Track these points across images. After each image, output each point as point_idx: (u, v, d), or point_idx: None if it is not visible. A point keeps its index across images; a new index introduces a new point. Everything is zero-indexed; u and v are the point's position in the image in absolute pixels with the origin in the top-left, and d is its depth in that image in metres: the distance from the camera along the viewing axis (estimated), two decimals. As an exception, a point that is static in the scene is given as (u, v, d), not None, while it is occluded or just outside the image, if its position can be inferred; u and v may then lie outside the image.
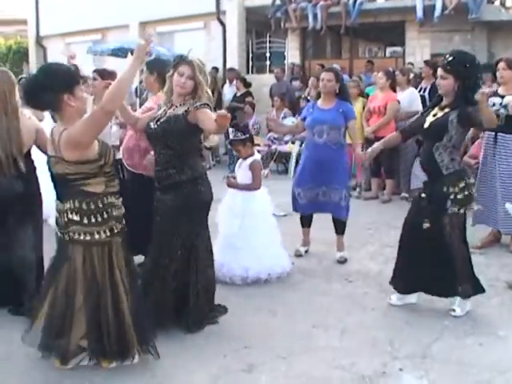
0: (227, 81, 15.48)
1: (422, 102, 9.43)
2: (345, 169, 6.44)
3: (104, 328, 3.87)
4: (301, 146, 11.91)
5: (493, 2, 14.44)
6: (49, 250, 4.37)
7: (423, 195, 5.01)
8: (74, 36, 20.88)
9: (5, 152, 4.71)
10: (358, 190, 10.11)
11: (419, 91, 9.99)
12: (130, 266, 4.03)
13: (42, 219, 5.23)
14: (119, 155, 5.78)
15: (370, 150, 5.51)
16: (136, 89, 11.67)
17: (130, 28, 19.19)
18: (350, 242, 6.72)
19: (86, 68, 7.19)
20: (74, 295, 3.84)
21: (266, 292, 5.54)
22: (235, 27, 17.18)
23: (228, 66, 16.65)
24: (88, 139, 3.65)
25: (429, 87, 9.79)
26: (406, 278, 5.11)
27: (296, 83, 14.63)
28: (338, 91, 6.29)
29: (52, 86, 3.59)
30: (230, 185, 5.86)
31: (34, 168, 5.05)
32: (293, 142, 12.11)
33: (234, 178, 5.91)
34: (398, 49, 17.01)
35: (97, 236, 3.79)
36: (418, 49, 14.87)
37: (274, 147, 12.31)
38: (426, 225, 4.88)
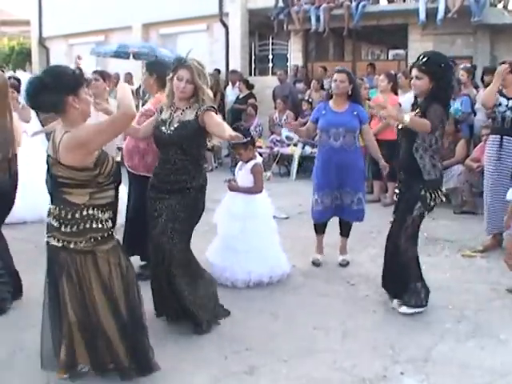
0: (230, 83, 15.48)
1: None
2: (360, 172, 6.39)
3: (88, 339, 3.81)
4: (303, 148, 11.93)
5: (495, 5, 14.43)
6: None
7: (396, 191, 5.17)
8: (77, 37, 20.93)
9: (6, 151, 4.87)
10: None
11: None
12: (125, 273, 3.85)
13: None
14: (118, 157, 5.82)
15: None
16: (137, 90, 11.70)
17: (132, 29, 19.21)
18: (352, 245, 6.72)
19: (89, 69, 7.23)
20: (66, 304, 3.80)
21: (268, 294, 5.54)
22: (238, 29, 17.19)
23: (230, 68, 16.66)
24: (97, 144, 3.59)
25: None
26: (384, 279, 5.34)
27: (300, 85, 14.59)
28: (350, 93, 6.19)
29: (56, 88, 3.55)
30: (231, 189, 5.82)
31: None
32: (295, 145, 12.10)
33: (235, 181, 5.87)
34: (401, 51, 17.01)
35: (72, 245, 3.68)
36: (421, 51, 14.77)
37: (276, 149, 12.31)
38: (391, 219, 5.17)
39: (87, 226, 3.67)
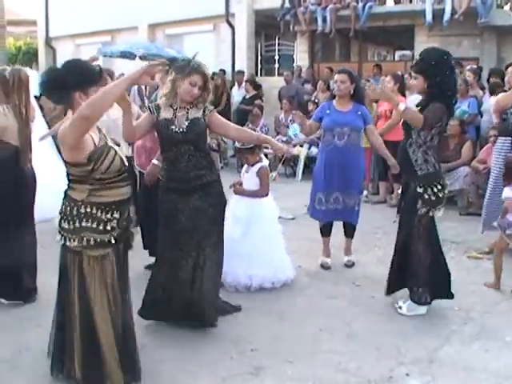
0: (236, 83, 15.49)
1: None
2: (361, 173, 6.39)
3: (68, 345, 3.74)
4: (309, 148, 11.93)
5: (502, 7, 14.40)
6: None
7: (399, 191, 5.18)
8: (84, 37, 20.96)
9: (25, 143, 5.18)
10: (365, 193, 10.10)
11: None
12: (110, 289, 3.66)
13: None
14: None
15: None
16: (139, 89, 11.67)
17: (139, 30, 19.23)
18: (358, 246, 6.72)
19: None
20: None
21: (273, 295, 5.54)
22: (244, 30, 17.18)
23: (237, 69, 16.66)
24: (70, 141, 3.46)
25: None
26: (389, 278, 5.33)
27: (308, 86, 14.56)
28: (353, 93, 6.17)
29: (65, 81, 3.52)
30: (237, 192, 5.79)
31: None
32: (301, 145, 12.11)
33: (241, 184, 5.83)
34: (407, 52, 16.97)
35: (68, 243, 3.60)
36: (427, 53, 14.80)
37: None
38: (395, 219, 5.15)
39: (83, 224, 3.55)
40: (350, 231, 6.48)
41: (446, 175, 8.83)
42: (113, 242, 3.63)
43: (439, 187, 4.91)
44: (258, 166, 5.75)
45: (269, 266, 5.65)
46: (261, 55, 19.09)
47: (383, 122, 9.48)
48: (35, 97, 6.84)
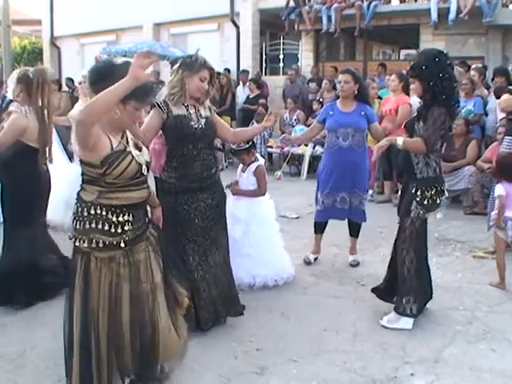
0: (240, 82, 15.49)
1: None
2: (366, 173, 6.38)
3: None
4: (314, 147, 11.92)
5: (507, 6, 14.35)
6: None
7: (398, 193, 5.08)
8: (88, 37, 21.01)
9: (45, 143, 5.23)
10: (370, 192, 10.11)
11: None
12: (114, 290, 3.55)
13: None
14: None
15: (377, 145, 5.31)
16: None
17: (143, 29, 19.25)
18: (363, 246, 6.71)
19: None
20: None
21: (278, 295, 5.54)
22: (249, 29, 17.20)
23: (241, 68, 16.67)
24: (78, 142, 3.38)
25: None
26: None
27: (313, 85, 14.54)
28: (356, 93, 6.16)
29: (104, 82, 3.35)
30: (235, 193, 5.78)
31: None
32: (306, 145, 12.10)
33: (237, 184, 5.82)
34: (413, 51, 16.96)
35: (77, 243, 3.53)
36: (433, 52, 14.77)
37: (286, 149, 12.30)
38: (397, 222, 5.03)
39: (92, 225, 3.48)
40: (355, 230, 6.49)
41: (451, 174, 8.86)
42: (122, 245, 3.53)
43: (436, 191, 4.76)
44: (254, 165, 5.75)
45: (270, 265, 5.66)
46: (265, 54, 19.09)
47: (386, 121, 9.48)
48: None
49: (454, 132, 9.05)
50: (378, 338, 4.65)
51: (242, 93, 15.00)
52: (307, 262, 6.43)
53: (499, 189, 5.74)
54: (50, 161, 5.33)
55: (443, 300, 5.22)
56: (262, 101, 13.90)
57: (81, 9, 20.10)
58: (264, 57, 18.89)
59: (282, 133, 13.01)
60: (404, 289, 4.83)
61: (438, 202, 4.82)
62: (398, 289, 4.88)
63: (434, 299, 5.08)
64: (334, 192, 6.19)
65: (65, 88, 15.61)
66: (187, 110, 4.58)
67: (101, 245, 3.48)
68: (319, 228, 6.53)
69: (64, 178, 6.55)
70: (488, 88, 10.43)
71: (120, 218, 3.52)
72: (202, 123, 4.56)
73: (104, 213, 3.49)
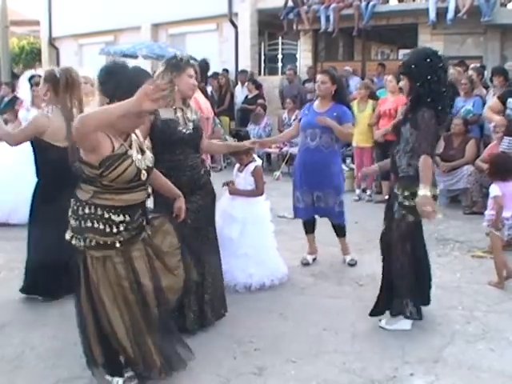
0: (239, 83, 15.49)
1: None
2: (338, 173, 6.29)
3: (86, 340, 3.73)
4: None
5: (506, 5, 14.39)
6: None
7: (386, 197, 5.01)
8: (87, 37, 21.04)
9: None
10: (368, 192, 10.11)
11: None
12: (126, 282, 3.58)
13: None
14: None
15: (364, 170, 5.57)
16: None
17: (142, 30, 19.25)
18: (361, 246, 6.71)
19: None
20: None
21: (277, 295, 5.53)
22: (247, 29, 17.20)
23: (240, 68, 16.67)
24: (78, 144, 3.42)
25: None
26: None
27: (310, 85, 14.54)
28: (334, 94, 6.15)
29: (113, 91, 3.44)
30: (232, 193, 5.75)
31: None
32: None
33: (233, 183, 5.80)
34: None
35: (74, 241, 3.54)
36: (431, 51, 14.78)
37: (285, 149, 12.31)
38: (383, 227, 4.88)
39: (88, 224, 3.47)
40: (339, 231, 6.47)
41: (450, 174, 8.87)
42: (117, 245, 3.52)
43: (413, 191, 4.47)
44: (252, 165, 5.74)
45: (266, 264, 5.67)
46: (264, 54, 19.09)
47: (386, 120, 9.51)
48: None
49: (452, 132, 9.09)
50: (377, 338, 4.64)
51: (241, 93, 15.02)
52: (305, 264, 6.42)
53: (495, 189, 5.73)
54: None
55: (442, 300, 5.22)
56: (260, 101, 13.90)
57: (79, 9, 20.11)
58: (263, 57, 18.89)
59: (281, 133, 13.03)
60: (401, 291, 4.73)
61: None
62: (395, 292, 4.78)
63: (432, 299, 5.06)
64: (310, 189, 6.21)
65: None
66: (175, 113, 4.55)
67: (93, 243, 3.49)
68: (309, 227, 6.54)
69: None
70: (486, 87, 10.44)
71: (115, 218, 3.51)
72: (190, 127, 4.54)
73: (99, 212, 3.48)
